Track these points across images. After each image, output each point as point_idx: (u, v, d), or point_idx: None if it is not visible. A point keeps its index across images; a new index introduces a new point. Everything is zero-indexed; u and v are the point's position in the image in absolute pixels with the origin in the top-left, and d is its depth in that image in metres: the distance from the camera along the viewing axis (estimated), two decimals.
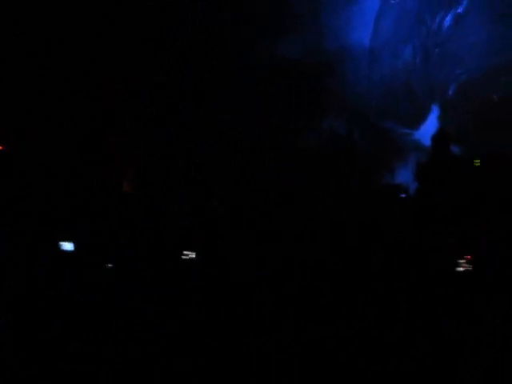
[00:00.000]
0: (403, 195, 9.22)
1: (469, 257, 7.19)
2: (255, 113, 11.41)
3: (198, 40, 11.70)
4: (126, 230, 8.93)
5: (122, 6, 11.24)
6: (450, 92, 10.72)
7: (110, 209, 9.49)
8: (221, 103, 11.60)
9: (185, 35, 11.63)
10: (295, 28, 11.75)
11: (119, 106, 11.10)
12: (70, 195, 9.68)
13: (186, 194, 9.77)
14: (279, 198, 9.10)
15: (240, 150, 10.85)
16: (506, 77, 10.33)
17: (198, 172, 10.35)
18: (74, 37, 10.97)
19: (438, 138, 8.86)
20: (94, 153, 10.43)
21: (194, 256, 8.17)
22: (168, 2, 11.55)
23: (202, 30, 11.76)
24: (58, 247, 8.39)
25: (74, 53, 10.97)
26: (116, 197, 9.89)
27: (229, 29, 11.94)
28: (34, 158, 10.03)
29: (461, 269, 7.09)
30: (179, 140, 10.87)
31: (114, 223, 9.15)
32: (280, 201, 9.22)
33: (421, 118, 10.89)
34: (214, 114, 11.48)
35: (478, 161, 8.79)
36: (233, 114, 11.39)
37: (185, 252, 8.28)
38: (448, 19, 10.84)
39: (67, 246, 8.38)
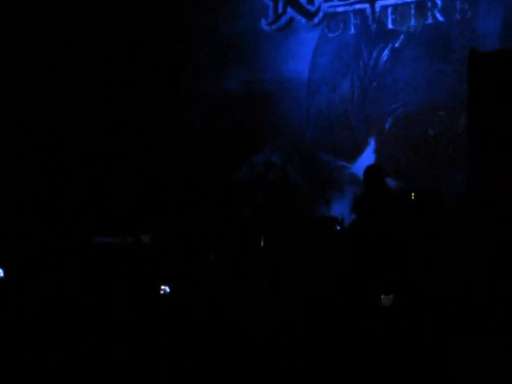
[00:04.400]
0: (338, 228, 9.12)
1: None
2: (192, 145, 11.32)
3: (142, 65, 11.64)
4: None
5: None
6: (387, 126, 10.73)
7: None
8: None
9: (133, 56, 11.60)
10: (234, 61, 11.72)
11: None
12: None
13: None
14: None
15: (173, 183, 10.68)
16: (442, 111, 10.38)
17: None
18: None
19: (370, 171, 8.78)
20: None
21: None
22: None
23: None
24: None
25: None
26: None
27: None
28: None
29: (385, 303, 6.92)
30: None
31: None
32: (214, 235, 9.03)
33: (357, 151, 10.86)
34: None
35: (414, 194, 8.72)
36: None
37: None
38: (385, 53, 10.90)
39: None
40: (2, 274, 7.41)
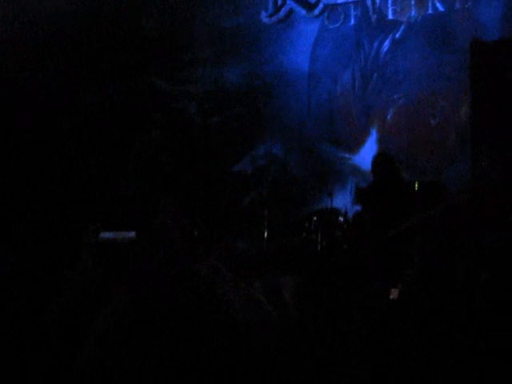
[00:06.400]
0: (342, 219, 9.10)
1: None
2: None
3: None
4: None
5: None
6: (389, 116, 10.69)
7: None
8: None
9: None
10: (234, 54, 11.69)
11: None
12: None
13: None
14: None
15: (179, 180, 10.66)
16: (444, 101, 10.34)
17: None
18: None
19: (379, 160, 8.71)
20: None
21: None
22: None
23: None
24: None
25: None
26: None
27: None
28: None
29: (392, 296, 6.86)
30: None
31: None
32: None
33: (360, 142, 10.83)
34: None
35: (417, 184, 8.69)
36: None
37: None
38: (386, 44, 10.86)
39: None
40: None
